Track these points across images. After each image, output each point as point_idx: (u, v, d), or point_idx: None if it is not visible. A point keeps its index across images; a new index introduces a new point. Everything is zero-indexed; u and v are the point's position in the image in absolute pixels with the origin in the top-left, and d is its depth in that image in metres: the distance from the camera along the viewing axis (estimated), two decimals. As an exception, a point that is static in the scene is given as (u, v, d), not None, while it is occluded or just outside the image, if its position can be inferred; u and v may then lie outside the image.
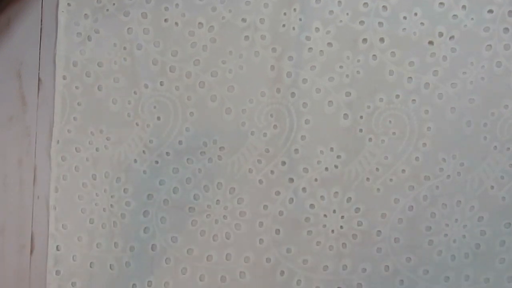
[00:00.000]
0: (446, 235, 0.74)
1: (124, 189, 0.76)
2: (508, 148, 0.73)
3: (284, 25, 0.75)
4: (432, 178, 0.73)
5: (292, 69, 0.74)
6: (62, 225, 0.78)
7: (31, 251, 0.79)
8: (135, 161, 0.76)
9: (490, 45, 0.73)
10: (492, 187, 0.73)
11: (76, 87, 0.78)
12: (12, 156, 0.80)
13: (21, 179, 0.80)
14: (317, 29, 0.74)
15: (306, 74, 0.74)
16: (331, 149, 0.74)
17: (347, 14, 0.74)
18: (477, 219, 0.73)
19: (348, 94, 0.74)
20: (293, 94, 0.74)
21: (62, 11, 0.78)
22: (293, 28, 0.74)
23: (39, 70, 0.80)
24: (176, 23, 0.76)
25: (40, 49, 0.80)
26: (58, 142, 0.78)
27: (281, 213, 0.75)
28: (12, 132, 0.80)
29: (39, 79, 0.80)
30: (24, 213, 0.79)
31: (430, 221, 0.74)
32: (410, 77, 0.73)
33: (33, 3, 0.80)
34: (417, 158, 0.74)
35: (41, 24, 0.80)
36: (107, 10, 0.77)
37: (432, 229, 0.74)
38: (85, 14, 0.78)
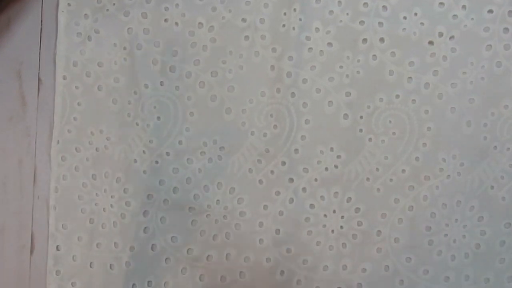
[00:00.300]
0: (446, 235, 0.74)
1: (124, 189, 0.76)
2: (508, 148, 0.73)
3: (284, 25, 0.75)
4: (432, 178, 0.73)
5: (292, 69, 0.74)
6: (62, 225, 0.78)
7: (31, 251, 0.79)
8: (135, 161, 0.76)
9: (490, 45, 0.73)
10: (492, 187, 0.73)
11: (76, 87, 0.78)
12: (12, 156, 0.80)
13: (21, 179, 0.80)
14: (317, 29, 0.74)
15: (306, 74, 0.74)
16: (331, 149, 0.74)
17: (347, 14, 0.74)
18: (477, 219, 0.73)
19: (348, 94, 0.74)
20: (293, 94, 0.74)
21: (62, 11, 0.78)
22: (293, 28, 0.74)
23: (39, 70, 0.80)
24: (176, 23, 0.76)
25: (40, 49, 0.80)
26: (58, 142, 0.78)
27: (281, 213, 0.75)
28: (12, 132, 0.80)
29: (39, 79, 0.80)
30: (24, 213, 0.79)
31: (430, 221, 0.74)
32: (410, 77, 0.73)
33: (33, 3, 0.80)
34: (417, 158, 0.74)
35: (41, 24, 0.80)
36: (107, 10, 0.77)
37: (432, 229, 0.74)
38: (85, 14, 0.78)
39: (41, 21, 0.80)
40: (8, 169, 0.80)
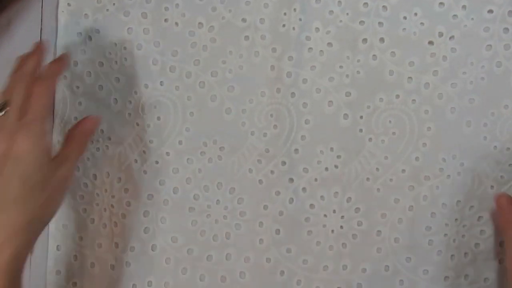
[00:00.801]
0: (446, 234, 0.73)
1: (124, 189, 0.76)
2: (508, 148, 0.72)
3: (284, 25, 0.74)
4: (432, 178, 0.73)
5: (292, 69, 0.74)
6: (62, 225, 0.78)
7: (31, 251, 0.79)
8: (136, 161, 0.76)
9: (490, 45, 0.73)
10: (492, 187, 0.73)
11: (77, 87, 0.78)
12: (12, 156, 0.80)
13: (21, 179, 0.79)
14: (317, 29, 0.74)
15: (306, 74, 0.74)
16: (331, 149, 0.74)
17: (347, 14, 0.74)
18: (476, 219, 0.73)
19: (348, 94, 0.74)
20: (293, 94, 0.74)
21: (62, 11, 0.78)
22: (293, 28, 0.74)
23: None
24: (176, 23, 0.76)
25: (40, 49, 0.80)
26: (58, 142, 0.78)
27: (281, 213, 0.75)
28: (12, 132, 0.80)
29: (39, 79, 0.80)
30: (24, 213, 0.79)
31: (430, 221, 0.74)
32: (410, 77, 0.73)
33: (33, 3, 0.80)
34: (417, 158, 0.73)
35: (41, 24, 0.80)
36: (107, 10, 0.77)
37: (432, 229, 0.74)
38: (85, 14, 0.78)
39: (41, 21, 0.80)
40: (8, 169, 0.80)
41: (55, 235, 0.78)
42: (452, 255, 0.74)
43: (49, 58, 0.79)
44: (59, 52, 0.78)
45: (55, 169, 0.66)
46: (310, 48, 0.74)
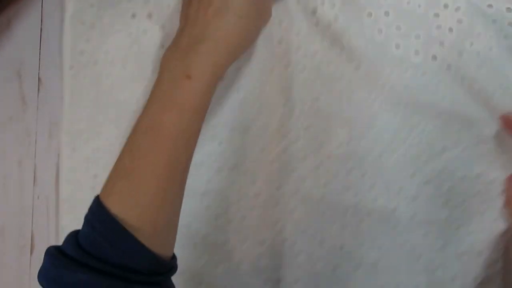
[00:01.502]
0: (464, 210, 0.71)
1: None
2: None
3: None
4: (448, 149, 0.71)
5: (301, 44, 0.72)
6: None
7: (31, 251, 0.77)
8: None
9: (495, 20, 0.69)
10: None
11: (84, 76, 0.76)
12: (12, 156, 0.79)
13: (21, 180, 0.79)
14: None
15: (314, 48, 0.72)
16: (345, 124, 0.71)
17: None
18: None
19: (357, 67, 0.71)
20: (302, 69, 0.72)
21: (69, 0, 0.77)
22: (298, 2, 0.73)
23: (39, 70, 0.80)
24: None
25: (40, 49, 0.80)
26: (67, 133, 0.76)
27: (296, 192, 0.72)
28: (12, 132, 0.79)
29: (39, 79, 0.80)
30: (24, 213, 0.78)
31: (447, 194, 0.71)
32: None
33: (33, 3, 0.81)
34: (430, 131, 0.71)
35: (41, 24, 0.81)
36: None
37: (449, 202, 0.71)
38: (91, 2, 0.77)
39: (41, 21, 0.81)
40: (8, 169, 0.79)
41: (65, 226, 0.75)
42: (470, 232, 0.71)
43: (49, 59, 0.79)
44: (65, 42, 0.77)
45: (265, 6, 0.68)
46: (318, 22, 0.72)
